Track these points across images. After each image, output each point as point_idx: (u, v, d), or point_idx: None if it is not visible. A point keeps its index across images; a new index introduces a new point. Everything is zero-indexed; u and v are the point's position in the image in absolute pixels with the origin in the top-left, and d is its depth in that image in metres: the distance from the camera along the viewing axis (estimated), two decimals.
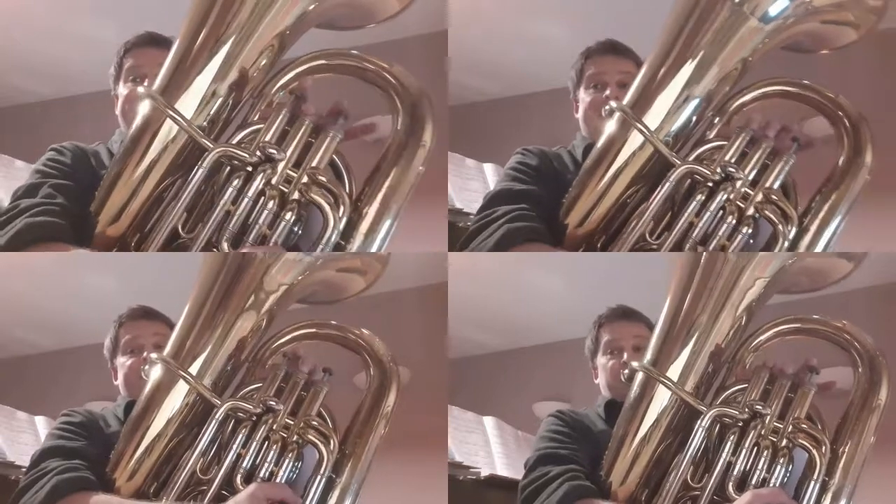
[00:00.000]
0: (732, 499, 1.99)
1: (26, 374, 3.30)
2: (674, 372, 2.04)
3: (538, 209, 2.12)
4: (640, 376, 2.07)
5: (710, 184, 2.01)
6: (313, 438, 2.03)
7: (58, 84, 3.06)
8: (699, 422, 2.00)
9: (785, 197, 2.03)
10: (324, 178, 1.97)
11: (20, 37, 2.94)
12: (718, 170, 2.01)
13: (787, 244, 2.01)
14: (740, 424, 2.02)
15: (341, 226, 1.97)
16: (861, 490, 2.02)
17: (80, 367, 3.23)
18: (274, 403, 2.03)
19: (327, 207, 1.95)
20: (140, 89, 2.00)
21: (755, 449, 2.00)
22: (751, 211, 2.01)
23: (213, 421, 2.00)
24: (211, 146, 1.92)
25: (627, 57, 2.25)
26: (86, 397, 2.73)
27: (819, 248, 2.02)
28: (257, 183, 1.94)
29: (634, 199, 2.07)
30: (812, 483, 2.00)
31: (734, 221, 2.01)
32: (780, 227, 2.01)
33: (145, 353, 2.19)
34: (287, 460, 2.02)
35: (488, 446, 3.14)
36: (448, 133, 2.60)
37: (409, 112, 2.02)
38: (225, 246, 1.96)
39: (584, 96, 2.26)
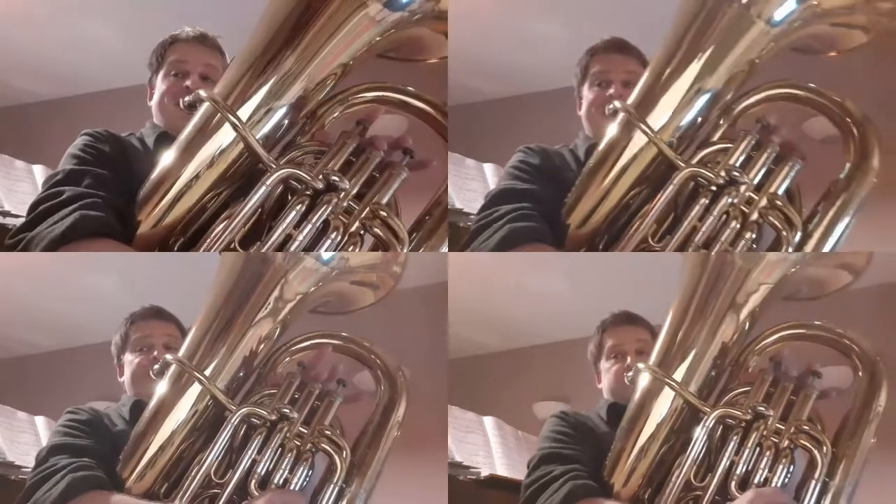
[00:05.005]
0: (734, 498, 1.99)
1: (26, 374, 3.31)
2: (678, 374, 2.04)
3: (540, 208, 2.10)
4: (644, 378, 2.07)
5: (714, 187, 1.99)
6: (326, 447, 2.03)
7: (58, 85, 3.07)
8: (703, 422, 2.00)
9: (789, 202, 2.02)
10: (384, 213, 1.97)
11: (20, 37, 2.94)
12: (723, 173, 1.99)
13: (790, 249, 2.00)
14: (743, 425, 2.02)
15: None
16: (861, 491, 2.03)
17: (79, 367, 3.24)
18: (288, 411, 2.02)
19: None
20: (202, 92, 1.94)
21: (758, 449, 2.01)
22: (755, 216, 1.99)
23: (229, 425, 1.99)
24: (274, 166, 1.91)
25: (633, 56, 2.23)
26: (86, 397, 2.73)
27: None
28: (322, 211, 1.93)
29: (637, 201, 2.04)
30: (813, 483, 2.00)
31: (738, 226, 1.99)
32: (783, 233, 1.99)
33: (154, 353, 2.19)
34: (301, 468, 2.01)
35: (488, 446, 3.14)
36: (448, 133, 2.60)
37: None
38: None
39: (587, 93, 2.24)
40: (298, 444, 2.02)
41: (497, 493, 2.96)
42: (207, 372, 2.01)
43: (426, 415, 2.55)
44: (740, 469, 1.99)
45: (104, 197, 1.97)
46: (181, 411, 2.00)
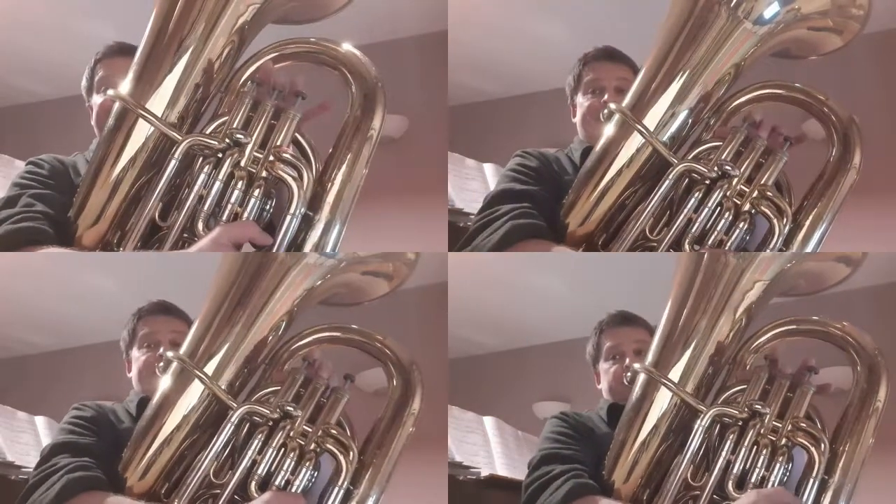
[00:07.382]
0: (733, 498, 1.99)
1: (26, 374, 3.31)
2: (675, 374, 2.04)
3: (539, 208, 2.14)
4: (641, 378, 2.07)
5: (708, 181, 2.05)
6: (332, 448, 1.98)
7: (58, 84, 3.07)
8: (699, 421, 2.01)
9: (780, 195, 2.07)
10: (288, 155, 2.02)
11: (20, 37, 2.94)
12: (715, 168, 2.05)
13: (781, 239, 2.05)
14: (740, 424, 2.03)
15: (307, 196, 2.00)
16: (861, 489, 2.02)
17: (79, 367, 3.24)
18: (292, 409, 1.97)
19: (291, 180, 2.00)
20: (109, 91, 2.02)
21: (754, 447, 2.01)
22: (747, 207, 2.05)
23: (229, 424, 1.95)
24: (179, 138, 1.99)
25: (624, 63, 2.28)
26: (86, 397, 2.72)
27: (812, 244, 2.06)
28: (226, 166, 2.00)
29: (633, 200, 2.09)
30: (811, 481, 2.00)
31: (731, 217, 2.04)
32: (774, 221, 2.04)
33: (161, 349, 2.16)
34: (304, 469, 1.96)
35: (488, 446, 3.15)
36: (448, 133, 2.60)
37: (362, 92, 2.07)
38: (200, 226, 1.99)
39: (582, 101, 2.29)
40: (302, 443, 1.97)
41: (497, 493, 2.96)
42: (211, 369, 1.98)
43: (426, 415, 2.55)
44: (737, 468, 2.00)
45: (40, 210, 2.03)
46: (182, 409, 1.98)
